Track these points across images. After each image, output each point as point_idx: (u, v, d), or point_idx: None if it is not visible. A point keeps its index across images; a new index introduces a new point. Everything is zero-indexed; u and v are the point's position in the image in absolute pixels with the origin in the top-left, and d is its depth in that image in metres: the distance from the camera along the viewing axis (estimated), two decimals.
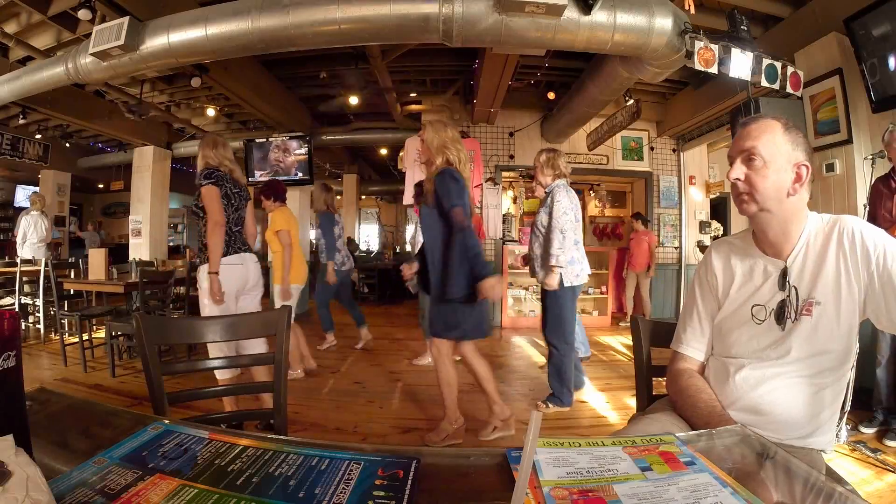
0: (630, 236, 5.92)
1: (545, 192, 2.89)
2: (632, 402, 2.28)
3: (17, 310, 3.34)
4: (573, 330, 2.84)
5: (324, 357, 3.97)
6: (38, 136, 6.91)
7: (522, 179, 7.13)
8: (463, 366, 2.35)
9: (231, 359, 1.29)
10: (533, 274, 2.98)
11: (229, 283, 2.27)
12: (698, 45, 2.67)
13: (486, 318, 2.23)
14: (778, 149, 0.94)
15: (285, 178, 6.15)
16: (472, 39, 2.72)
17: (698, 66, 2.69)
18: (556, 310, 2.81)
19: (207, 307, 2.24)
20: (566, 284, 2.76)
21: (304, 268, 3.51)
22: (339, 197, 11.73)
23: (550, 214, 2.75)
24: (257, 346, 2.24)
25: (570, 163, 6.03)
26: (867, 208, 2.46)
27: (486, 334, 2.24)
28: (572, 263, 2.78)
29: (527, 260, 3.09)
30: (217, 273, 2.21)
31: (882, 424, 2.38)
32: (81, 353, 3.36)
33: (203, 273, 2.23)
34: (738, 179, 0.95)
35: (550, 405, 2.80)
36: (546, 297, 2.87)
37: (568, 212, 2.71)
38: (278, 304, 3.29)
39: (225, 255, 2.25)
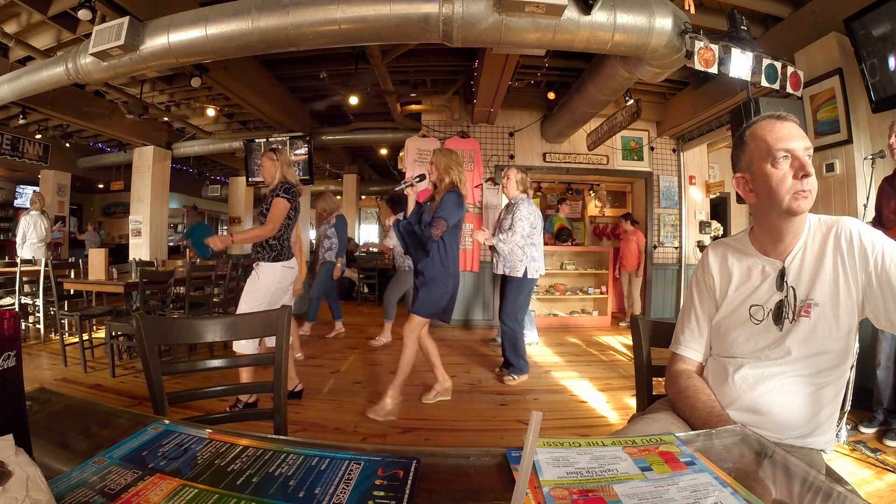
0: (620, 237, 5.93)
1: (511, 202, 3.52)
2: (632, 402, 2.28)
3: (17, 310, 3.34)
4: (523, 313, 3.46)
5: (324, 357, 3.97)
6: (38, 136, 6.91)
7: None
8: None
9: (231, 359, 1.29)
10: (501, 269, 3.50)
11: (286, 281, 2.66)
12: (698, 45, 2.67)
13: (452, 307, 2.74)
14: None
15: None
16: (472, 39, 2.72)
17: (698, 66, 2.69)
18: (514, 295, 3.40)
19: (250, 303, 2.53)
20: (528, 276, 3.38)
21: (303, 267, 3.57)
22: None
23: (513, 220, 3.37)
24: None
25: (569, 163, 6.09)
26: (867, 208, 2.45)
27: (448, 320, 2.78)
28: (534, 261, 3.42)
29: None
30: (232, 236, 2.58)
31: (882, 424, 2.37)
32: (81, 353, 3.35)
33: (263, 268, 2.55)
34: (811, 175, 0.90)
35: (514, 376, 3.28)
36: (507, 285, 3.45)
37: (523, 219, 3.35)
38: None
39: (286, 258, 2.63)
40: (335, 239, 4.39)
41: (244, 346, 2.41)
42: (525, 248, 3.38)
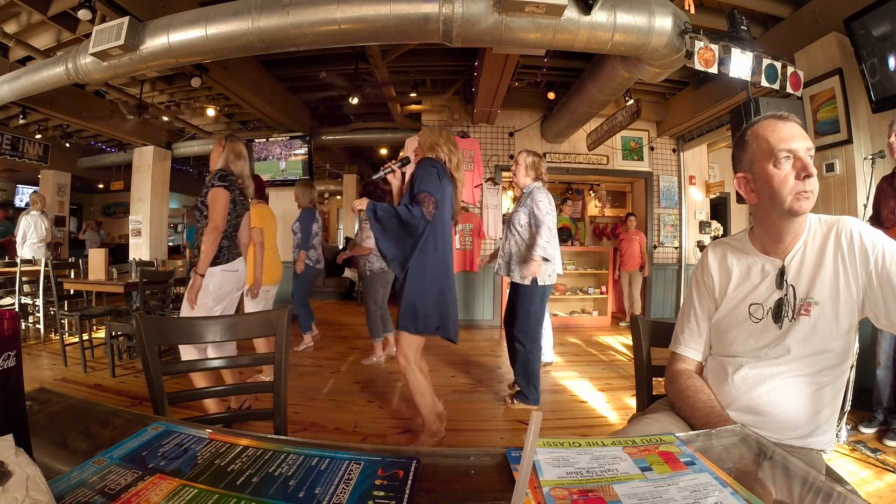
0: (620, 237, 5.93)
1: (522, 192, 2.98)
2: (632, 402, 2.28)
3: (17, 310, 3.34)
4: (540, 328, 2.87)
5: (325, 357, 3.97)
6: (38, 136, 6.92)
7: None
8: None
9: (231, 359, 1.29)
10: (507, 272, 2.97)
11: (227, 287, 2.27)
12: (698, 45, 2.67)
13: (451, 319, 2.14)
14: None
15: (282, 178, 6.17)
16: (472, 39, 2.72)
17: (698, 66, 2.69)
18: (526, 307, 2.83)
19: (187, 309, 2.21)
20: (539, 283, 2.80)
21: (279, 268, 3.45)
22: (339, 197, 11.76)
23: (532, 213, 2.82)
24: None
25: (569, 163, 6.02)
26: (867, 208, 2.45)
27: (451, 337, 2.15)
28: (545, 263, 2.82)
29: (493, 257, 3.14)
30: (203, 275, 2.19)
31: (882, 424, 2.38)
32: (81, 353, 3.36)
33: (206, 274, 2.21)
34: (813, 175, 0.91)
35: (517, 402, 2.84)
36: (517, 294, 2.89)
37: (543, 201, 2.80)
38: (248, 304, 3.22)
39: (227, 261, 2.26)
40: (301, 234, 4.03)
41: (190, 351, 2.16)
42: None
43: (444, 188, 2.08)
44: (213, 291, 2.22)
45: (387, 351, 3.85)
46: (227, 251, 2.27)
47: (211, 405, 2.22)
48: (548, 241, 2.75)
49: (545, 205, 2.80)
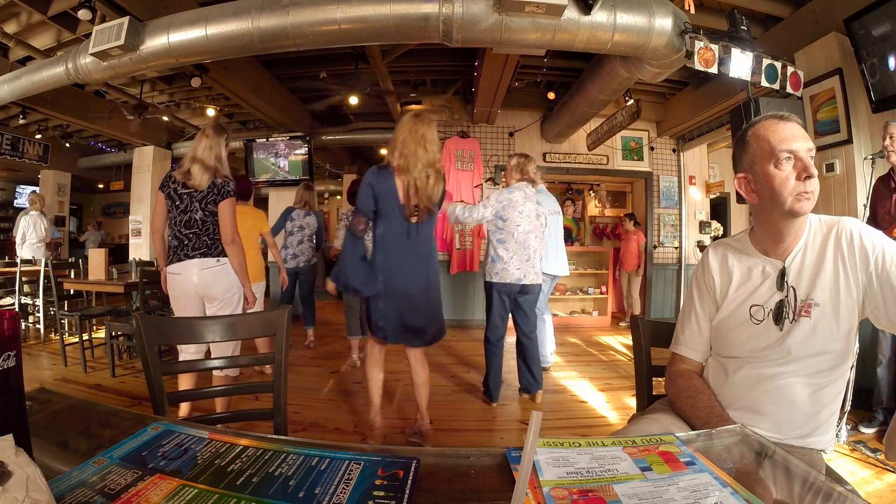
0: (620, 236, 5.94)
1: None
2: (632, 402, 2.28)
3: (17, 310, 3.34)
4: (493, 326, 2.90)
5: (325, 357, 3.97)
6: (38, 136, 6.91)
7: None
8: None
9: (231, 359, 1.28)
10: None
11: (174, 288, 2.18)
12: (698, 45, 2.67)
13: (407, 326, 2.13)
14: None
15: (282, 178, 6.17)
16: (472, 39, 2.72)
17: (698, 66, 2.68)
18: (486, 303, 2.94)
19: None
20: (486, 279, 2.90)
21: (258, 268, 3.42)
22: (338, 197, 11.75)
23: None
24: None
25: (569, 163, 6.01)
26: (867, 208, 2.46)
27: (413, 344, 2.19)
28: (494, 261, 2.86)
29: None
30: (160, 271, 2.29)
31: (882, 424, 2.37)
32: (81, 353, 3.36)
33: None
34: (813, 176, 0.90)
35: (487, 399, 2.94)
36: None
37: (488, 206, 2.81)
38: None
39: (168, 262, 2.19)
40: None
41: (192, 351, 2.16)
42: (493, 243, 2.88)
43: (382, 195, 2.05)
44: (170, 291, 2.22)
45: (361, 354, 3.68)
46: (172, 251, 2.17)
47: (185, 407, 2.20)
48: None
49: (492, 199, 2.83)
